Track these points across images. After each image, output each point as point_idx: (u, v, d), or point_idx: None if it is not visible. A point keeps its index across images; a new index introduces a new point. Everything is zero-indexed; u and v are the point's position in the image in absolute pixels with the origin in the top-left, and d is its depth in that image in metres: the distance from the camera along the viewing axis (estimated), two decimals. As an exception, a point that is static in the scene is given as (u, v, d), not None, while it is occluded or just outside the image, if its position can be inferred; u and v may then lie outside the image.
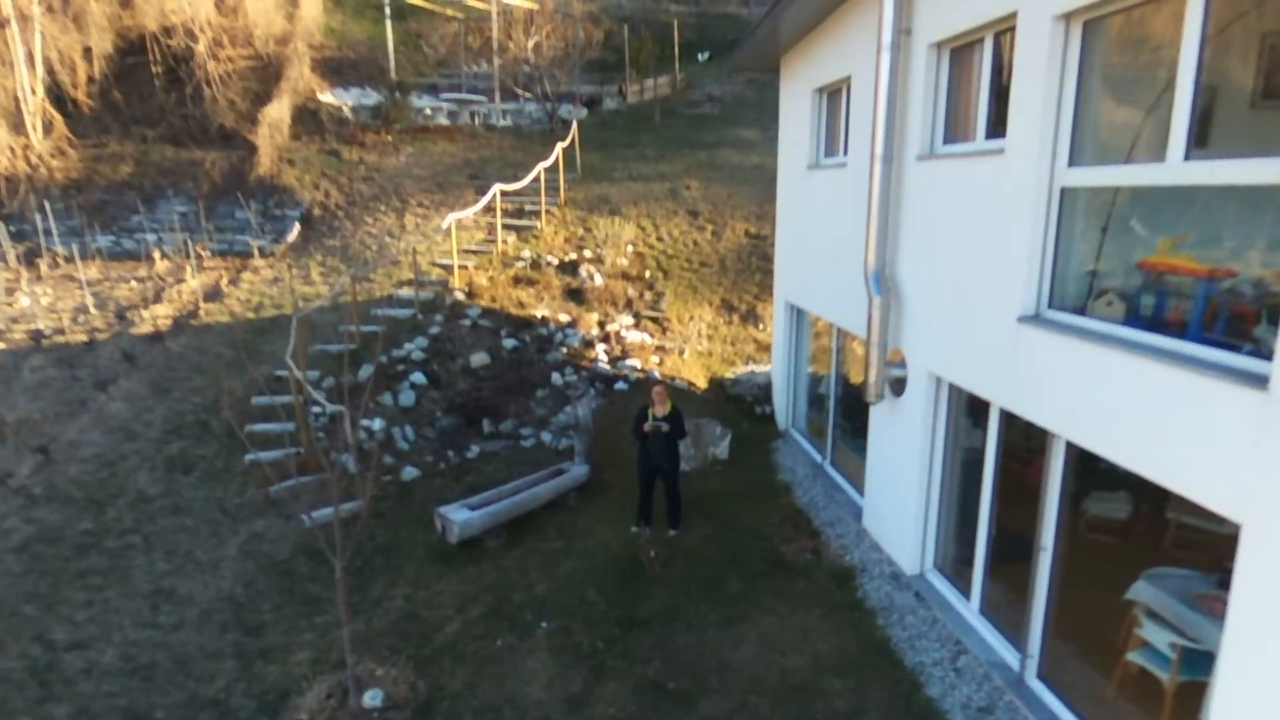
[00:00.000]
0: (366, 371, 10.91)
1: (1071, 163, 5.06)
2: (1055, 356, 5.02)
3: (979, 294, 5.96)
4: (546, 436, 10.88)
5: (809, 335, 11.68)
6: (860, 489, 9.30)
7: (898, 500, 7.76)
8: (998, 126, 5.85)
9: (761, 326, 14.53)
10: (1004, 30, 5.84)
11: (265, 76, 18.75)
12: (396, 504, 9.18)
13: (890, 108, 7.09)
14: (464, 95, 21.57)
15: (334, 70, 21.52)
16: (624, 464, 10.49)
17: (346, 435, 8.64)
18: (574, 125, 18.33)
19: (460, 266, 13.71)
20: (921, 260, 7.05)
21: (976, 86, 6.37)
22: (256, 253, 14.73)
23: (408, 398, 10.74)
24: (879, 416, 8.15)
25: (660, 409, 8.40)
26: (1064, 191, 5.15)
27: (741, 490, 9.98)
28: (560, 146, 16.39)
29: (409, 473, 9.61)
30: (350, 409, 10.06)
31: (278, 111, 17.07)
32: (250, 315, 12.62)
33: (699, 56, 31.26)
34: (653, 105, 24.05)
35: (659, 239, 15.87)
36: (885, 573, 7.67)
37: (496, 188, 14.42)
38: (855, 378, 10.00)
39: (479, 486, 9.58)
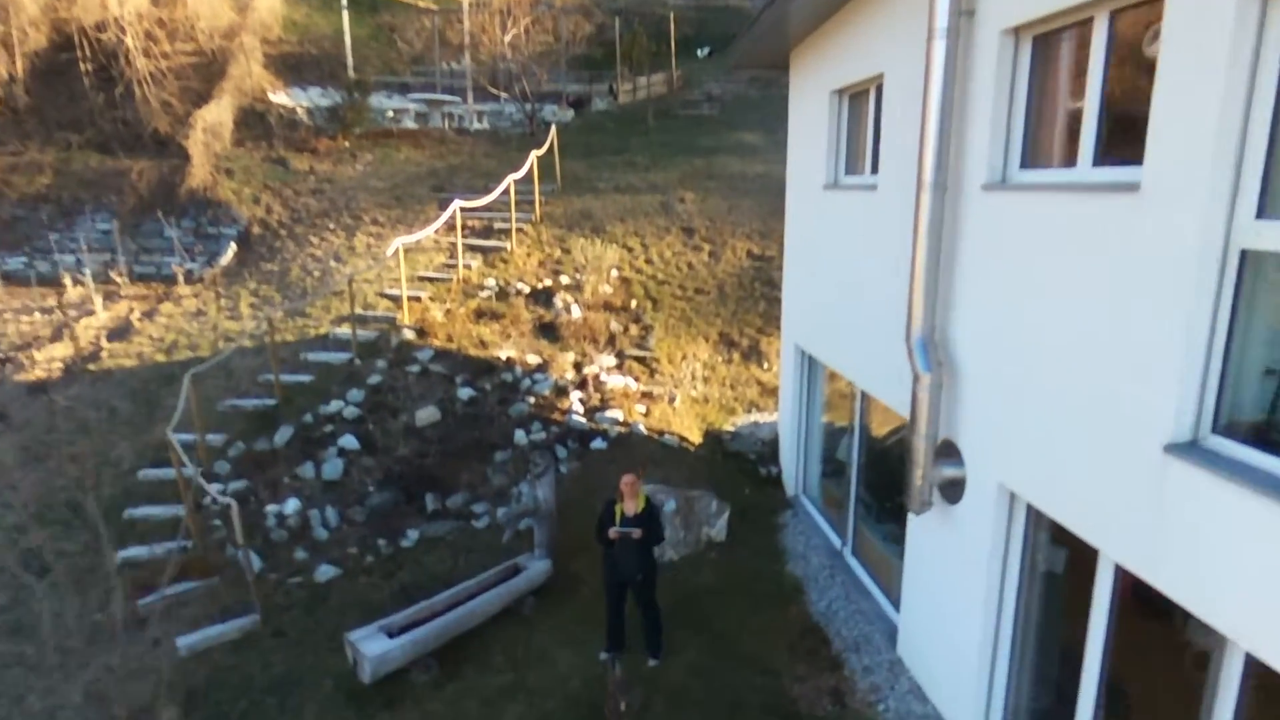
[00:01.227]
0: (285, 435, 9.11)
1: (1262, 213, 3.26)
2: (1228, 514, 3.23)
3: (1090, 394, 4.16)
4: (504, 513, 9.07)
5: (823, 383, 9.89)
6: (891, 594, 7.53)
7: (950, 636, 5.96)
8: (1120, 149, 4.05)
9: (767, 365, 12.74)
10: (1124, 6, 4.04)
11: (209, 75, 17.00)
12: (305, 615, 7.39)
13: (943, 118, 5.31)
14: (435, 95, 19.80)
15: (292, 68, 19.80)
16: (598, 552, 8.69)
17: (237, 534, 6.85)
18: (552, 130, 16.54)
19: (411, 298, 11.92)
20: (991, 328, 5.26)
21: (1072, 90, 4.58)
22: (181, 279, 12.95)
23: (333, 468, 8.94)
24: (923, 523, 6.33)
25: (630, 505, 6.62)
26: (1246, 255, 3.35)
27: (741, 587, 8.20)
28: (535, 154, 14.60)
29: (325, 572, 7.81)
30: (259, 486, 8.27)
31: (216, 114, 15.32)
32: (160, 358, 10.83)
33: (698, 53, 29.52)
34: (646, 106, 22.28)
35: (648, 261, 14.08)
36: (935, 741, 5.86)
37: (456, 204, 12.63)
38: (882, 430, 8.22)
39: (414, 588, 7.80)
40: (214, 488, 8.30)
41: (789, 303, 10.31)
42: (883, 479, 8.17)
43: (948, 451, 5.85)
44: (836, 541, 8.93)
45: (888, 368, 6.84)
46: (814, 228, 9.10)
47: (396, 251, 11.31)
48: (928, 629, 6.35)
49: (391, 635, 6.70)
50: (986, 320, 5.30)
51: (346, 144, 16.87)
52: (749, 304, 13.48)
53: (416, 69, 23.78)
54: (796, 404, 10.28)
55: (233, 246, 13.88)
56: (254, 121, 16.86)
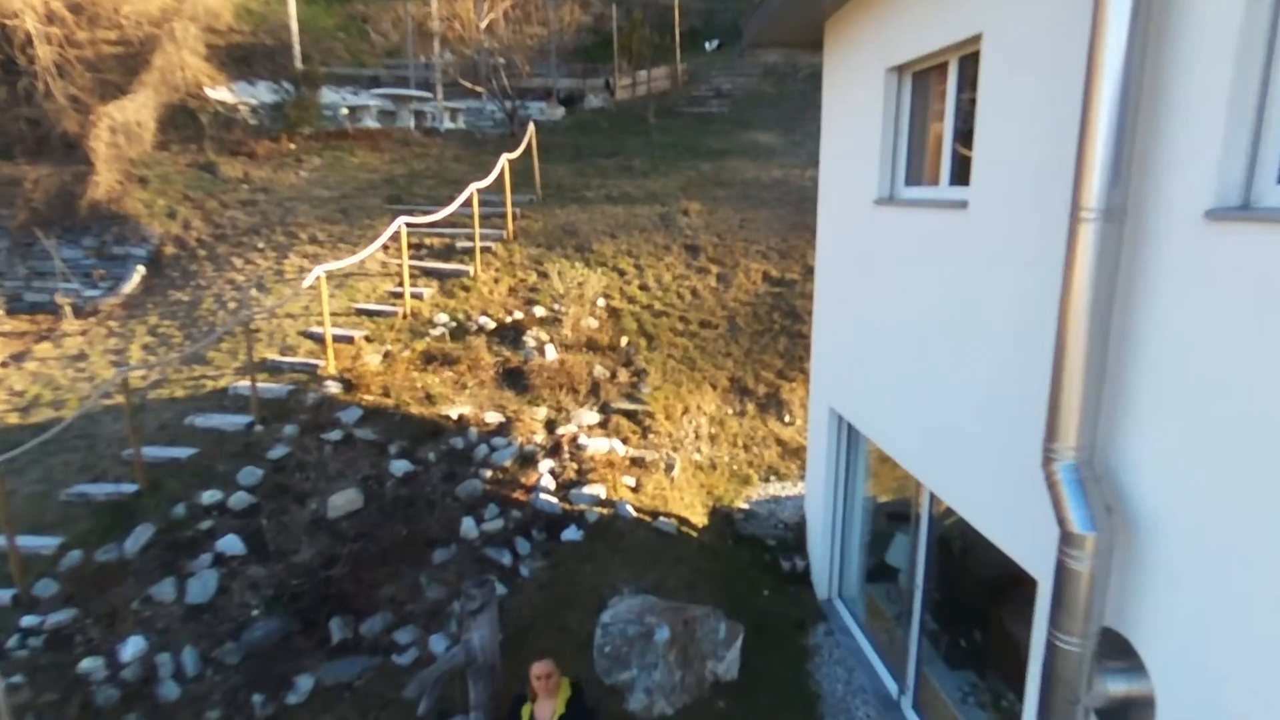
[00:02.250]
0: (141, 538, 6.88)
1: None
2: None
3: None
4: (439, 644, 6.81)
5: (865, 453, 7.67)
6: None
7: None
8: None
9: (789, 418, 10.46)
10: None
11: (134, 67, 14.86)
12: (123, 834, 5.13)
13: (1124, 102, 3.08)
14: (402, 91, 17.62)
15: (241, 60, 17.68)
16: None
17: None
18: (530, 128, 14.30)
19: (342, 339, 9.67)
20: (1211, 449, 2.98)
21: None
22: (69, 312, 10.74)
23: (203, 586, 6.69)
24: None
25: (547, 708, 4.39)
26: None
27: (762, 770, 5.91)
28: (507, 157, 12.37)
29: (165, 755, 5.56)
30: (90, 619, 6.04)
31: (133, 111, 13.15)
32: (13, 420, 8.62)
33: (705, 46, 27.36)
34: (647, 103, 20.08)
35: (643, 288, 11.83)
36: None
37: (401, 222, 10.40)
38: (955, 553, 5.98)
39: (294, 773, 5.53)
40: (26, 621, 6.06)
41: (820, 353, 8.05)
42: (960, 600, 5.92)
43: (1115, 650, 3.56)
44: (890, 686, 6.66)
45: (990, 484, 4.57)
46: (858, 258, 6.83)
47: (316, 283, 9.05)
48: None
49: None
50: (1201, 436, 3.02)
51: (292, 146, 14.70)
52: (766, 340, 11.21)
53: (390, 63, 21.69)
54: (831, 479, 8.01)
55: (140, 270, 11.71)
56: (185, 121, 14.71)
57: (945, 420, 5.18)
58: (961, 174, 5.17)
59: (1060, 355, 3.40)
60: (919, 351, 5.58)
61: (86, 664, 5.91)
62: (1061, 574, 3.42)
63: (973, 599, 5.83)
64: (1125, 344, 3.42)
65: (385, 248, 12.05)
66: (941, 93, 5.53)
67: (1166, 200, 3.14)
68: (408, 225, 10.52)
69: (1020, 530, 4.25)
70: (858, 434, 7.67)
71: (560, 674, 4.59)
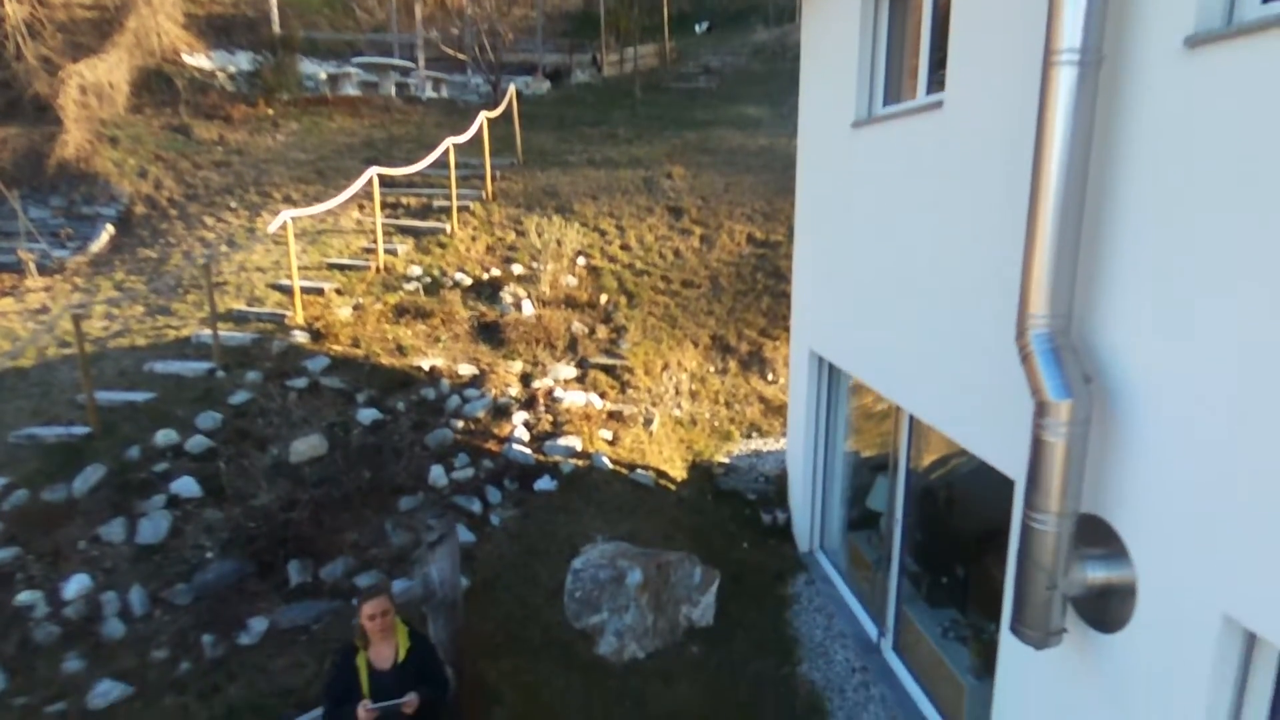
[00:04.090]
0: (91, 478, 6.63)
1: None
2: None
3: None
4: (402, 588, 6.56)
5: (848, 399, 7.45)
6: (961, 733, 5.06)
7: None
8: None
9: (772, 377, 10.24)
10: None
11: (109, 30, 14.56)
12: (57, 769, 4.88)
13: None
14: (385, 60, 17.35)
15: (221, 30, 17.41)
16: (526, 646, 6.19)
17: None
18: (511, 90, 14.04)
19: (311, 291, 9.42)
20: (1204, 318, 2.76)
21: None
22: (33, 269, 10.47)
23: (155, 527, 6.44)
24: (1040, 667, 3.83)
25: (384, 650, 3.98)
26: None
27: (733, 708, 5.70)
28: (485, 115, 12.11)
29: (104, 692, 5.30)
30: (32, 556, 5.80)
31: (105, 72, 12.86)
32: (-33, 368, 8.35)
33: (696, 28, 27.17)
34: (634, 79, 19.81)
35: (624, 247, 11.59)
36: None
37: (373, 171, 10.14)
38: (933, 489, 5.77)
39: (248, 713, 5.28)
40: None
41: (800, 293, 7.83)
42: (941, 541, 5.71)
43: (1095, 536, 3.35)
44: (870, 629, 6.44)
45: (969, 389, 4.36)
46: (838, 186, 6.61)
47: (284, 233, 8.79)
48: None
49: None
50: (1187, 301, 2.80)
51: (269, 111, 14.41)
52: (750, 299, 10.98)
53: (374, 36, 21.42)
54: (811, 429, 7.80)
55: (109, 229, 11.43)
56: (160, 86, 14.42)
57: (924, 340, 4.97)
58: (938, 85, 4.95)
59: (1034, 216, 3.18)
60: (898, 275, 5.37)
61: (25, 596, 5.65)
62: (1037, 450, 3.20)
63: (953, 539, 5.62)
64: (1104, 202, 3.20)
65: (360, 206, 11.81)
66: (919, 4, 5.31)
67: (1144, 33, 2.92)
68: (381, 175, 10.25)
69: (998, 433, 4.04)
70: (839, 379, 7.46)
71: (395, 612, 4.03)
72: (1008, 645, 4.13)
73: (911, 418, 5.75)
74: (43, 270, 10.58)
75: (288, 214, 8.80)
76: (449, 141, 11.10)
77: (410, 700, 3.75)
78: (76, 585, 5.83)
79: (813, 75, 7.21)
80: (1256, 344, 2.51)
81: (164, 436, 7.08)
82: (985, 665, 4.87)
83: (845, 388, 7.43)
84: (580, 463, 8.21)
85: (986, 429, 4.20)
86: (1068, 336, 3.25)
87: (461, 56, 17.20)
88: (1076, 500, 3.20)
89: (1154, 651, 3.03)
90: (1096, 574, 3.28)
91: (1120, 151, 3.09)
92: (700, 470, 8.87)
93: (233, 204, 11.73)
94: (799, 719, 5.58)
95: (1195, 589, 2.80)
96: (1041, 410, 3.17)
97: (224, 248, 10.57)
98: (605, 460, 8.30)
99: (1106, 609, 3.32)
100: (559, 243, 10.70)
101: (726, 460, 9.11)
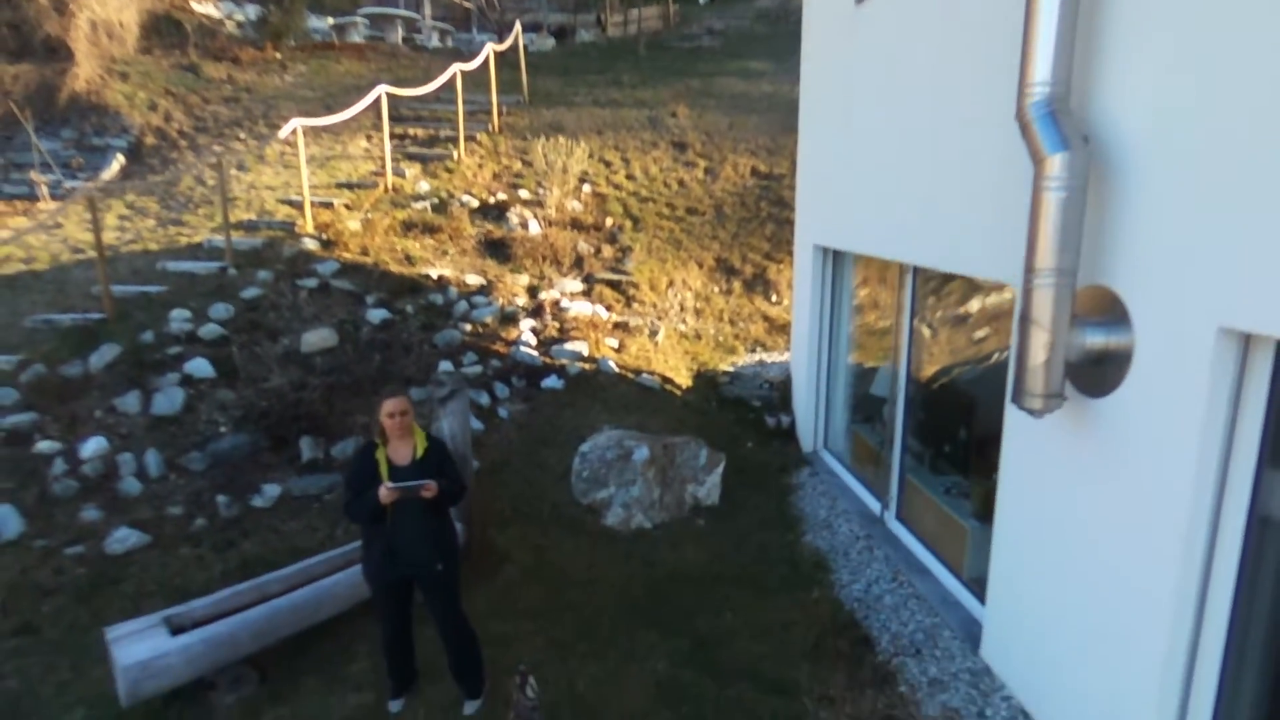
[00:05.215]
0: (106, 356, 6.71)
1: None
2: None
3: None
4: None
5: (851, 296, 7.49)
6: (961, 570, 5.13)
7: (1096, 627, 3.53)
8: None
9: (776, 298, 10.30)
10: None
11: (117, -24, 14.60)
12: (75, 605, 4.98)
13: None
14: (390, 10, 17.38)
15: (229, -17, 17.40)
16: (534, 518, 6.28)
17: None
18: (517, 27, 14.07)
19: (321, 205, 9.49)
20: (1193, 84, 2.82)
21: None
22: (45, 193, 10.55)
23: (169, 400, 6.51)
24: (1040, 441, 3.90)
25: (402, 448, 4.03)
26: None
27: (738, 567, 5.79)
28: (492, 46, 12.16)
29: (122, 539, 5.38)
30: (50, 421, 5.88)
31: (116, 9, 12.91)
32: (-18, 273, 8.43)
33: (699, -1, 27.06)
34: (638, 39, 19.81)
35: (629, 177, 11.63)
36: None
37: (382, 88, 10.20)
38: (934, 364, 5.82)
39: (261, 566, 5.37)
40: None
41: (804, 190, 7.87)
42: (940, 417, 5.76)
43: (1096, 305, 3.41)
44: (874, 505, 6.51)
45: (970, 227, 4.42)
46: (841, 68, 6.65)
47: (290, 136, 8.85)
48: (1044, 620, 3.89)
49: (175, 632, 4.28)
50: (1187, 59, 2.85)
51: (277, 55, 14.46)
52: (754, 226, 11.02)
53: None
54: (815, 330, 7.86)
55: (119, 159, 11.49)
56: (169, 30, 14.47)
57: (928, 192, 5.03)
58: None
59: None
60: (901, 141, 5.42)
61: (44, 446, 5.74)
62: (1036, 209, 3.26)
63: (954, 409, 5.65)
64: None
65: (368, 136, 11.87)
66: None
67: None
68: (390, 96, 10.31)
69: (999, 254, 4.09)
70: (845, 275, 7.51)
71: (413, 415, 4.04)
72: (1012, 431, 4.19)
73: (913, 300, 5.83)
74: (55, 197, 10.65)
75: (298, 121, 8.86)
76: (456, 67, 11.14)
77: (429, 484, 3.82)
78: (94, 446, 5.91)
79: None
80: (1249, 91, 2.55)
81: (178, 315, 7.16)
82: (986, 511, 4.93)
83: (850, 281, 7.47)
84: (587, 366, 8.27)
85: (989, 255, 4.24)
86: (1066, 103, 3.31)
87: (468, 4, 17.20)
88: (1074, 258, 3.25)
89: (1152, 396, 3.08)
90: (1095, 339, 3.34)
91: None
92: (705, 379, 8.93)
93: (241, 135, 11.79)
94: (804, 575, 5.65)
95: (1190, 310, 2.86)
96: (1040, 170, 3.22)
97: (234, 170, 10.63)
98: (611, 364, 8.36)
99: (1101, 374, 3.38)
100: (565, 169, 10.74)
101: (731, 370, 9.16)
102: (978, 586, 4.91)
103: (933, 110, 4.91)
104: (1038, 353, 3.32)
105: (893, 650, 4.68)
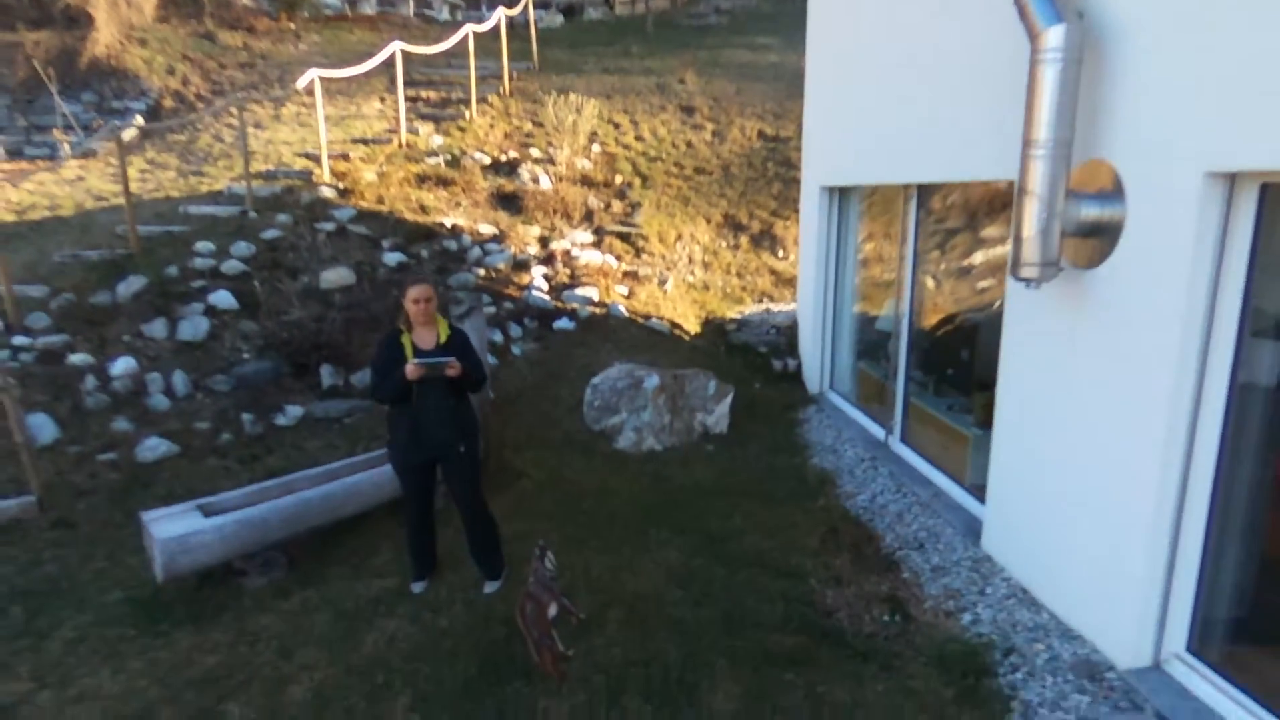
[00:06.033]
0: (133, 286, 6.90)
1: None
2: None
3: None
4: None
5: (857, 238, 7.62)
6: (965, 479, 5.27)
7: (1088, 500, 3.68)
8: None
9: (782, 254, 10.44)
10: None
11: (135, -53, 14.79)
12: (109, 504, 5.17)
13: None
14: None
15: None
16: (547, 444, 6.45)
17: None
18: (528, -2, 14.24)
19: (338, 157, 9.66)
20: None
21: None
22: (68, 150, 10.74)
23: (194, 328, 6.70)
24: (1036, 322, 4.05)
25: (426, 335, 4.15)
26: None
27: (746, 482, 5.93)
28: (504, 10, 12.32)
29: (152, 447, 5.57)
30: (80, 342, 6.06)
31: (133, -21, 13.11)
32: (10, 218, 8.62)
33: (706, -22, 27.09)
34: (645, 17, 19.93)
35: (638, 138, 11.78)
36: (1060, 659, 3.57)
37: (396, 45, 10.37)
38: (935, 313, 5.96)
39: (281, 474, 5.54)
40: (18, 340, 6.09)
41: (811, 134, 8.01)
42: (943, 346, 5.91)
43: (1092, 179, 3.55)
44: (878, 432, 6.65)
45: (976, 145, 4.57)
46: (848, 5, 6.80)
47: (308, 85, 9.02)
48: (1041, 501, 4.04)
49: (209, 515, 4.46)
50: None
51: (291, 25, 14.64)
52: (760, 185, 11.16)
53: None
54: (822, 274, 8.00)
55: (139, 120, 11.68)
56: (185, 0, 14.66)
57: (934, 111, 5.17)
58: None
59: None
60: (906, 66, 5.56)
61: (76, 359, 5.93)
62: (1033, 82, 3.40)
63: (955, 335, 5.79)
64: None
65: (381, 99, 12.04)
66: None
67: None
68: (403, 51, 10.48)
69: (1000, 152, 4.22)
70: (850, 210, 7.64)
71: (435, 304, 4.15)
72: (1012, 315, 4.33)
73: (916, 230, 5.97)
74: (76, 155, 10.85)
75: (315, 71, 9.04)
76: (469, 28, 11.31)
77: (452, 361, 3.98)
78: (123, 365, 6.09)
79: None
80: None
81: (203, 247, 7.35)
82: (987, 417, 5.07)
83: (855, 223, 7.60)
84: (597, 310, 8.43)
85: (991, 154, 4.37)
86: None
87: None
88: (1069, 130, 3.39)
89: (1143, 260, 3.23)
90: (1090, 211, 3.48)
91: None
92: (713, 326, 9.08)
93: (257, 97, 11.97)
94: (811, 489, 5.80)
95: (1179, 161, 3.00)
96: (1036, 45, 3.36)
97: (251, 128, 10.82)
98: (621, 309, 8.52)
99: (1096, 246, 3.52)
100: (575, 127, 10.89)
101: (738, 317, 9.31)
102: (979, 492, 5.05)
103: (936, 33, 5.05)
104: (1034, 222, 3.47)
105: (897, 545, 4.84)
